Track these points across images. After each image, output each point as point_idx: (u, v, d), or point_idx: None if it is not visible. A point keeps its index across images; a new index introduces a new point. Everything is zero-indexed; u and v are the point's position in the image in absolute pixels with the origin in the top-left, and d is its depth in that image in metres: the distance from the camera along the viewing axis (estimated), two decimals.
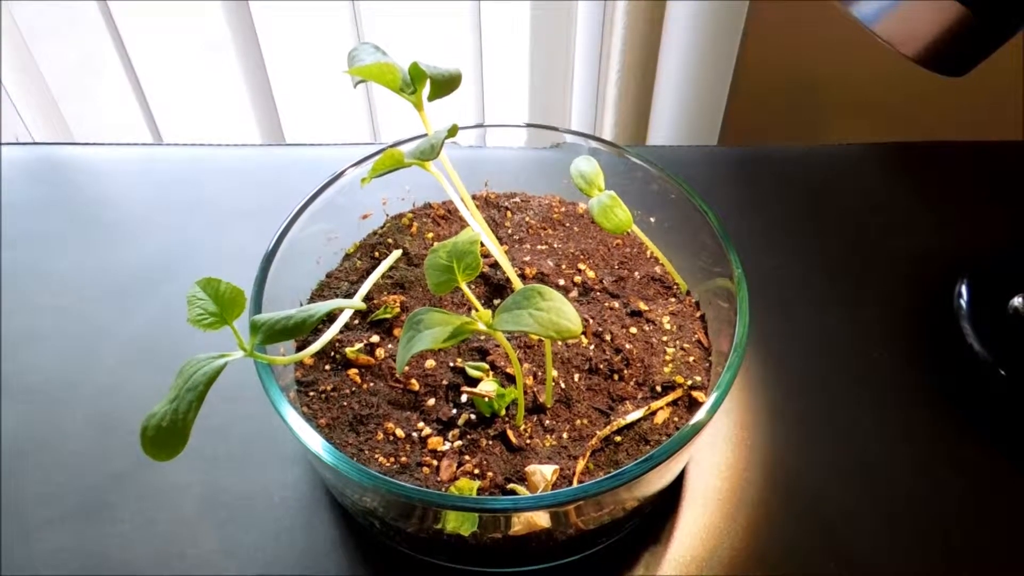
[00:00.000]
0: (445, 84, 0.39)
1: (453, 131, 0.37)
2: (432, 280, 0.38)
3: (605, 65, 0.80)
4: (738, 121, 0.78)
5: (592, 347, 0.44)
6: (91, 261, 0.58)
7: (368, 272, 0.48)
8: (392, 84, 0.39)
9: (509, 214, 0.52)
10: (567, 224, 0.52)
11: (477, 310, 0.36)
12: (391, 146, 0.47)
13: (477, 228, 0.42)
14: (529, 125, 0.53)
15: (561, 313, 0.34)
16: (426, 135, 0.40)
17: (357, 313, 0.46)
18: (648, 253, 0.50)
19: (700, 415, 0.37)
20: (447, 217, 0.52)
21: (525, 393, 0.41)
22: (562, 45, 0.81)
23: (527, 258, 0.49)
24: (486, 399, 0.40)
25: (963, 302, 0.52)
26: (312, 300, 0.47)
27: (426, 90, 0.40)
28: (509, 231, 0.51)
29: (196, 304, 0.36)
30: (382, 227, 0.52)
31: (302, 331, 0.36)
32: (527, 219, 0.52)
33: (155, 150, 0.68)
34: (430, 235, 0.51)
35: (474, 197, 0.53)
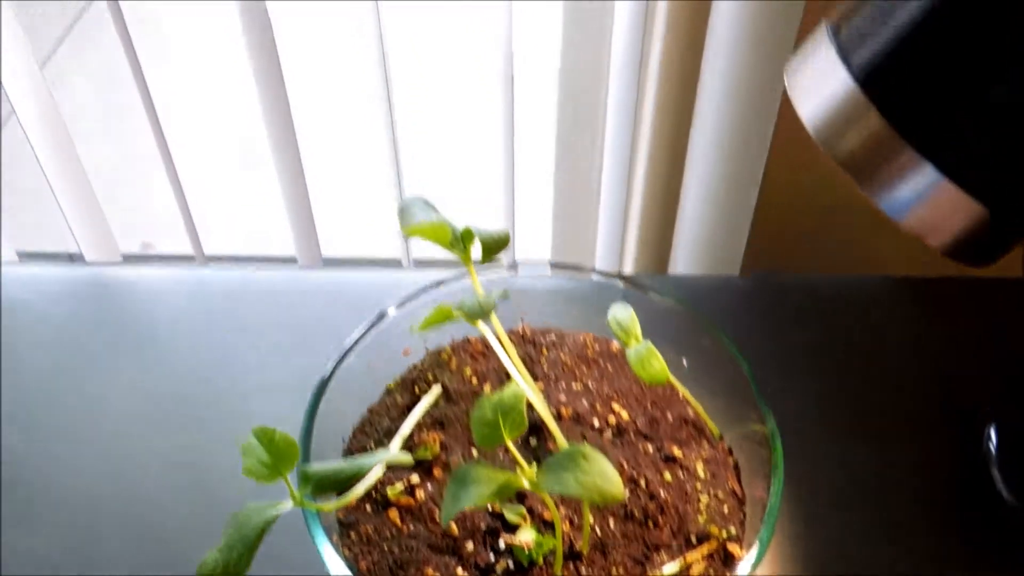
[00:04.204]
0: (494, 245, 0.41)
1: (504, 295, 0.39)
2: (478, 434, 0.39)
3: (630, 189, 0.83)
4: (760, 251, 0.80)
5: (627, 492, 0.45)
6: (134, 383, 0.60)
7: (408, 408, 0.49)
8: (443, 241, 0.42)
9: (545, 351, 0.54)
10: (600, 362, 0.53)
11: (522, 468, 0.37)
12: (432, 285, 0.50)
13: (518, 377, 0.44)
14: (556, 265, 0.56)
15: (605, 477, 0.35)
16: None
17: None
18: (680, 393, 0.51)
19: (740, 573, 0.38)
20: (484, 353, 0.54)
21: (562, 540, 0.42)
22: (586, 171, 0.85)
23: (563, 397, 0.50)
24: (525, 550, 0.41)
25: (991, 447, 0.53)
26: (354, 436, 0.49)
27: (476, 248, 0.43)
28: (545, 369, 0.53)
29: (251, 455, 0.38)
30: (421, 362, 0.53)
31: (353, 484, 0.37)
32: (562, 356, 0.53)
33: (198, 272, 0.71)
34: (468, 371, 0.52)
35: (510, 333, 0.55)
